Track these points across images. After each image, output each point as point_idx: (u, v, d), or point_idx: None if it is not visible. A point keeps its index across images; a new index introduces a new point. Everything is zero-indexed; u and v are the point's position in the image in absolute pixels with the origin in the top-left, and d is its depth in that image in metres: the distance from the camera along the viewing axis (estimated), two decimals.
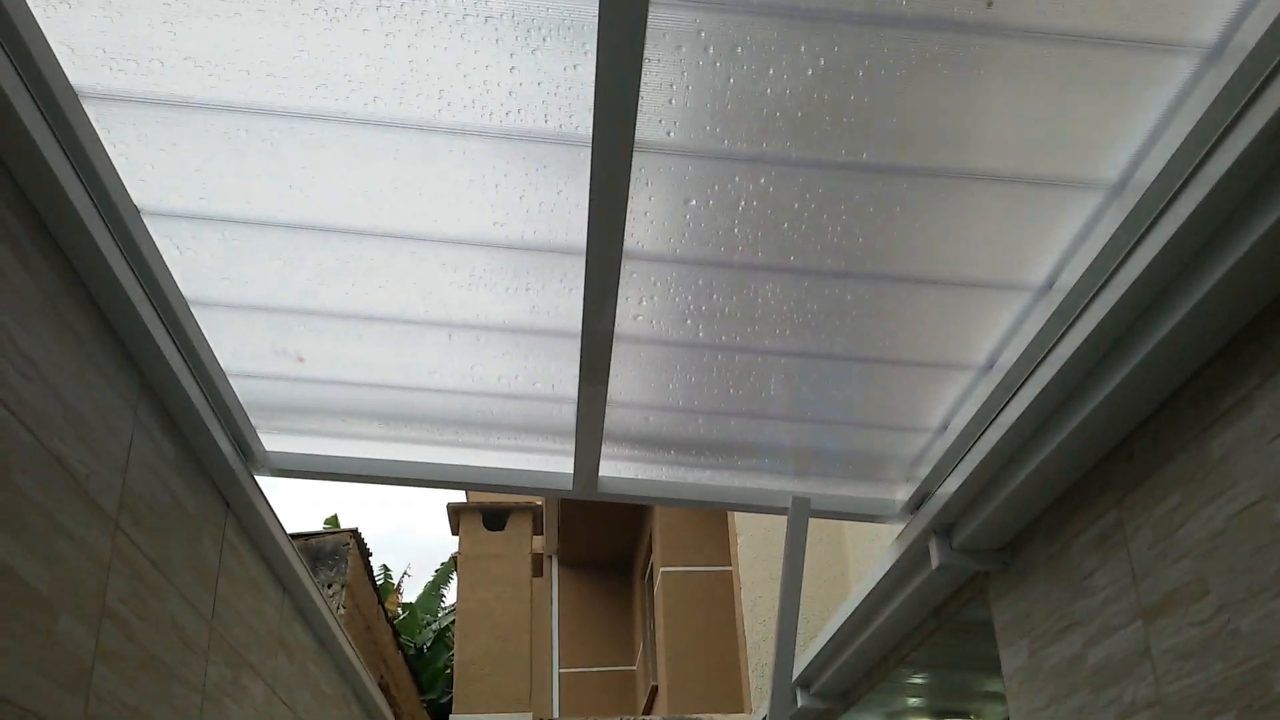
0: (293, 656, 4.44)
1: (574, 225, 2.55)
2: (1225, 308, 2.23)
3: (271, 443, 3.60)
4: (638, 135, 2.25)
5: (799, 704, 5.39)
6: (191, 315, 2.85)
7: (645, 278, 2.75)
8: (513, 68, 2.18)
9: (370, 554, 10.10)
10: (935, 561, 3.54)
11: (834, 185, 2.43)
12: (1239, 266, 2.10)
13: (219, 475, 3.40)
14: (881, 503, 3.75)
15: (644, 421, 3.42)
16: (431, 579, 16.64)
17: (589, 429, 3.32)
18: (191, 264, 2.71)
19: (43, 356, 2.28)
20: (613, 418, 3.34)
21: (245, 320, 2.96)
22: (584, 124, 2.27)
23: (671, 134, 2.32)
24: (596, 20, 1.97)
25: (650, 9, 1.97)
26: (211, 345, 3.00)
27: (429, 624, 15.87)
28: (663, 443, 3.54)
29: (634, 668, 14.60)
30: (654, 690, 11.60)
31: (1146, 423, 2.67)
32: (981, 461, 3.06)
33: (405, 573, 18.11)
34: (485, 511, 10.12)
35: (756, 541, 8.92)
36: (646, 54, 2.07)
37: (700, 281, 2.76)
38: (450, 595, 16.28)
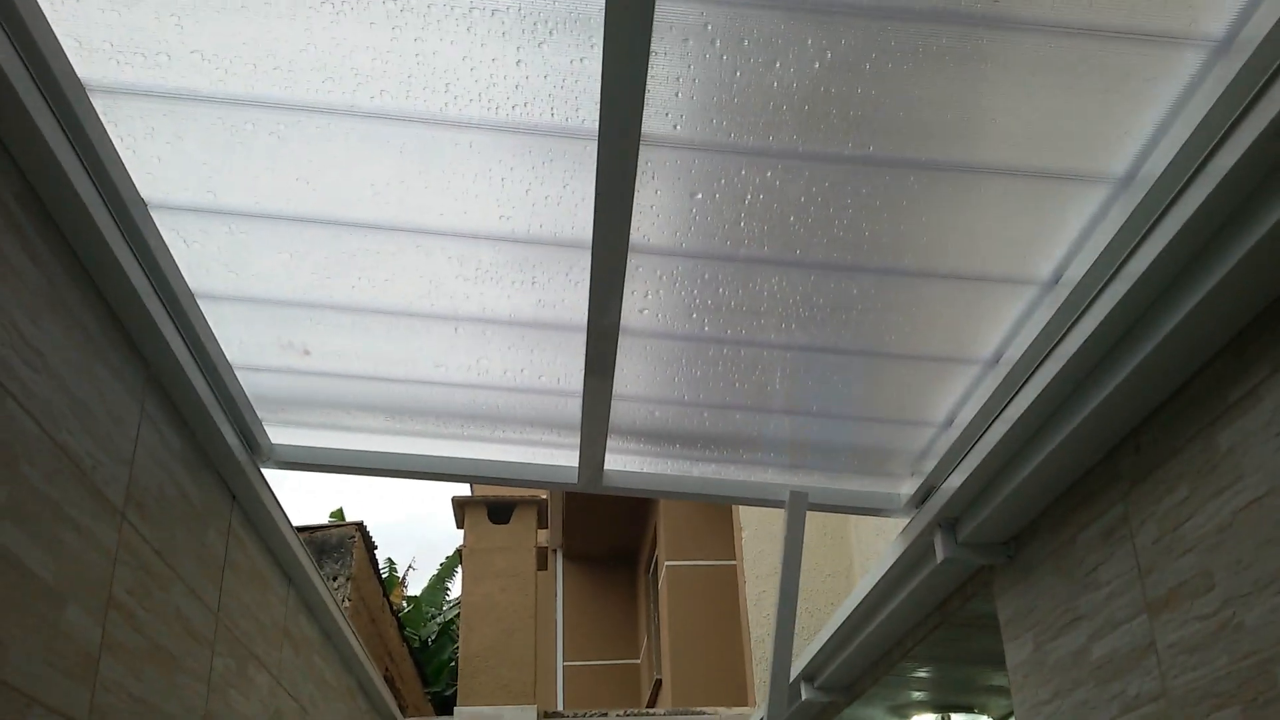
0: (298, 649, 4.46)
1: (580, 219, 2.55)
2: (1233, 301, 2.22)
3: (277, 435, 3.61)
4: (644, 128, 2.24)
5: (804, 697, 5.40)
6: (198, 308, 2.86)
7: (651, 271, 2.75)
8: (519, 61, 2.18)
9: (375, 547, 10.13)
10: (940, 555, 3.55)
11: (840, 179, 2.43)
12: (1246, 260, 2.09)
13: (225, 467, 3.41)
14: (886, 497, 3.75)
15: (649, 415, 3.42)
16: (436, 572, 16.67)
17: (594, 422, 3.32)
18: (198, 257, 2.71)
19: (50, 348, 2.29)
20: (618, 411, 3.34)
21: (251, 313, 2.97)
22: (590, 117, 2.27)
23: (678, 127, 2.32)
24: (603, 13, 1.97)
25: (657, 2, 1.97)
26: (218, 338, 3.01)
27: (434, 617, 15.91)
28: (668, 436, 3.54)
29: (638, 661, 14.62)
30: (658, 684, 11.61)
31: (1153, 416, 2.67)
32: (987, 456, 3.06)
33: (410, 566, 18.13)
34: (490, 505, 10.12)
35: (761, 536, 8.91)
36: (653, 47, 2.06)
37: (706, 275, 2.76)
38: (455, 588, 16.32)
